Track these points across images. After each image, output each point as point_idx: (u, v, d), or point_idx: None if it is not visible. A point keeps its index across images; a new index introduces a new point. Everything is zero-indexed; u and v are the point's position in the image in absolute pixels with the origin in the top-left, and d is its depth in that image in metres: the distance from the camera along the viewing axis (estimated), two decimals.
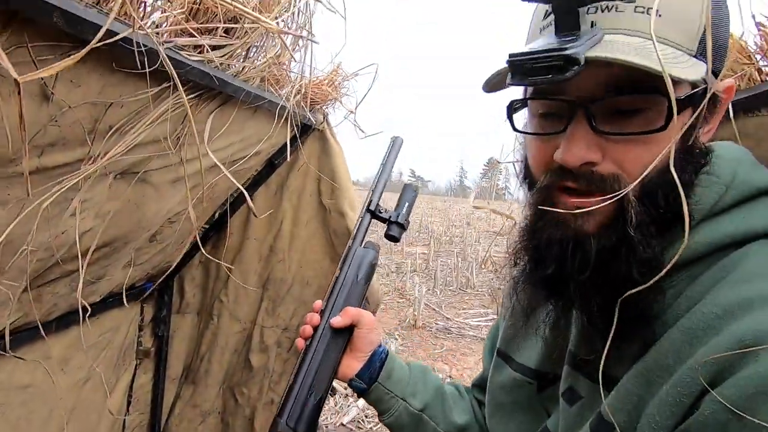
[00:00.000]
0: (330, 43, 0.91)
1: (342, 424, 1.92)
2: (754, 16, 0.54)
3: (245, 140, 0.89)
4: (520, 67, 0.35)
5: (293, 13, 0.67)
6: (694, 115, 0.37)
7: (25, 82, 0.40)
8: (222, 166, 0.69)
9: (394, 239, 0.76)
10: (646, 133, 0.37)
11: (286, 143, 1.11)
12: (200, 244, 0.74)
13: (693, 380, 0.33)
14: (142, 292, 1.10)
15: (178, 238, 1.01)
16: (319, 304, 0.67)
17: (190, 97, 0.63)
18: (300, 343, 0.66)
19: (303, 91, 0.84)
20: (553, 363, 0.52)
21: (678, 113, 0.34)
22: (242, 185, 1.11)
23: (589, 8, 0.37)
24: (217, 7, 0.56)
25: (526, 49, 0.34)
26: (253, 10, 0.60)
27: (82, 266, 0.61)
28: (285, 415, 0.62)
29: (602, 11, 0.37)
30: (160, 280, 1.18)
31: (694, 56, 0.37)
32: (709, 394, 0.31)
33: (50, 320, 0.83)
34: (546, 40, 0.36)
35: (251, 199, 1.18)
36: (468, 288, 4.85)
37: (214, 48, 0.60)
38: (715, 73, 0.39)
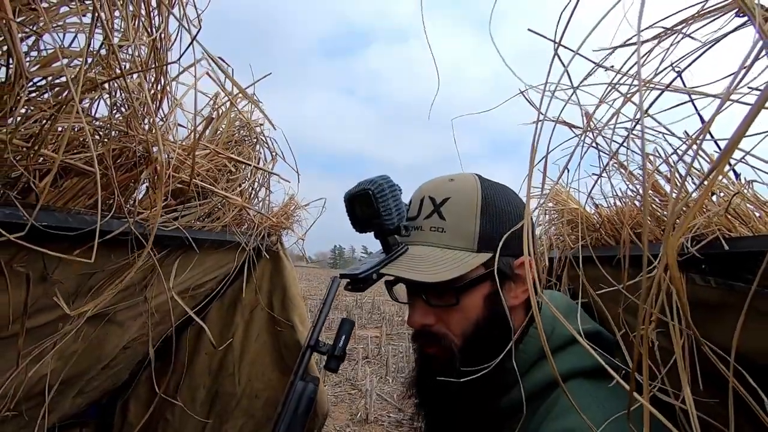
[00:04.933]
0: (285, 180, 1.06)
1: None
2: (592, 198, 0.76)
3: (204, 270, 0.99)
4: (348, 281, 0.56)
5: (253, 182, 0.83)
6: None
7: (30, 270, 0.51)
8: (185, 305, 0.78)
9: (333, 371, 0.83)
10: (446, 306, 0.56)
11: (241, 264, 1.22)
12: (154, 382, 0.80)
13: None
14: (84, 418, 1.09)
15: (129, 362, 1.04)
16: None
17: (161, 254, 0.74)
18: None
19: (261, 232, 0.97)
20: None
21: (464, 291, 0.55)
22: (197, 304, 1.17)
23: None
24: (194, 188, 0.70)
25: (347, 272, 0.56)
26: (222, 185, 0.75)
27: (46, 406, 0.65)
28: None
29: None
30: (104, 401, 1.17)
31: (476, 251, 0.56)
32: None
33: None
34: (378, 257, 0.58)
35: (205, 315, 1.24)
36: None
37: (185, 215, 0.73)
38: (515, 255, 0.58)
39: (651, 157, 0.52)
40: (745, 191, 0.41)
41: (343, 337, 0.84)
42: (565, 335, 0.57)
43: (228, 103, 0.78)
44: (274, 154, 0.88)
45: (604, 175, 0.56)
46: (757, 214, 0.41)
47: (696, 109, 0.40)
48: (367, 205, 0.54)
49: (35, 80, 0.41)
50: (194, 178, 0.65)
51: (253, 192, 0.87)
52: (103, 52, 0.43)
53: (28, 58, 0.39)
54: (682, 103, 0.47)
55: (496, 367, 0.54)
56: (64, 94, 0.40)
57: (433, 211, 0.57)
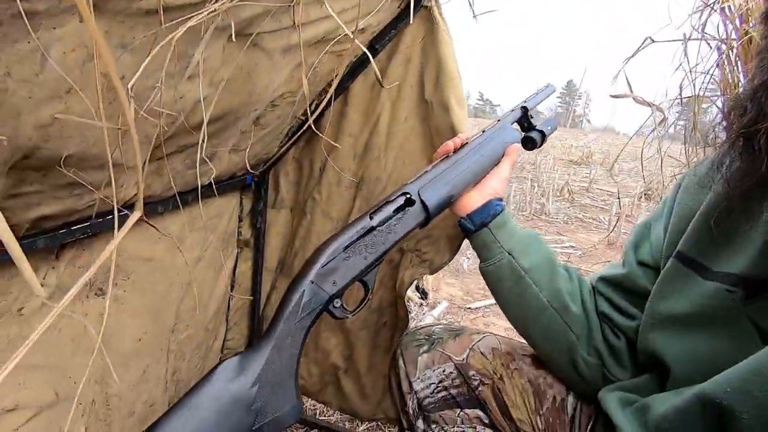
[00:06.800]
0: None
1: None
2: None
3: (353, 11, 0.79)
4: None
5: None
6: None
7: None
8: (344, 26, 0.61)
9: (532, 142, 0.82)
10: None
11: (387, 26, 1.00)
12: (309, 115, 0.69)
13: None
14: (241, 182, 1.11)
15: (278, 126, 0.98)
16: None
17: None
18: (448, 146, 0.74)
19: None
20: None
21: None
22: (341, 71, 1.02)
23: None
24: None
25: None
26: None
27: (203, 132, 0.58)
28: (418, 184, 0.68)
29: None
30: (258, 172, 1.18)
31: None
32: None
33: (167, 198, 0.85)
34: None
35: (348, 91, 1.10)
36: (542, 215, 4.65)
37: None
38: None
39: None
40: None
41: (549, 126, 0.85)
42: None
43: None
44: None
45: None
46: None
47: None
48: None
49: None
50: None
51: None
52: None
53: None
54: None
55: None
56: None
57: None
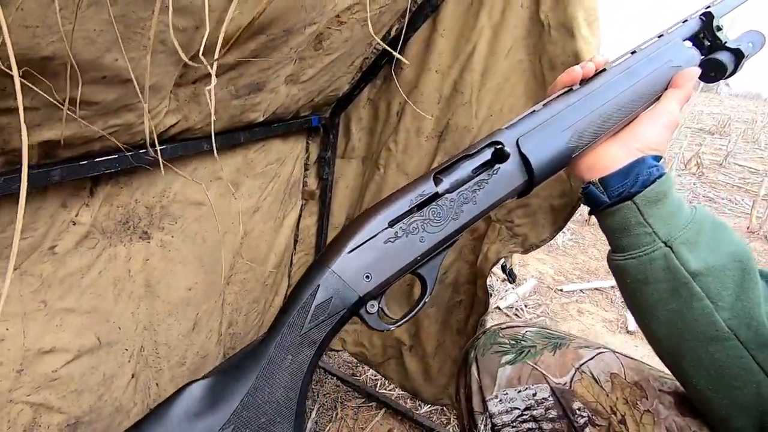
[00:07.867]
0: None
1: (498, 308, 1.77)
2: None
3: None
4: None
5: None
6: None
7: None
8: None
9: (719, 68, 0.53)
10: None
11: None
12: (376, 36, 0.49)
13: None
14: (306, 124, 0.96)
15: (347, 53, 0.79)
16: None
17: None
18: (574, 72, 0.49)
19: None
20: None
21: None
22: None
23: None
24: None
25: None
26: None
27: (222, 32, 0.42)
28: (518, 130, 0.48)
29: None
30: (326, 114, 1.02)
31: None
32: None
33: (216, 133, 0.73)
34: None
35: (437, 13, 0.87)
36: None
37: None
38: None
39: None
40: None
41: (750, 42, 0.56)
42: None
43: None
44: None
45: None
46: None
47: None
48: None
49: None
50: None
51: None
52: None
53: None
54: None
55: None
56: None
57: None
